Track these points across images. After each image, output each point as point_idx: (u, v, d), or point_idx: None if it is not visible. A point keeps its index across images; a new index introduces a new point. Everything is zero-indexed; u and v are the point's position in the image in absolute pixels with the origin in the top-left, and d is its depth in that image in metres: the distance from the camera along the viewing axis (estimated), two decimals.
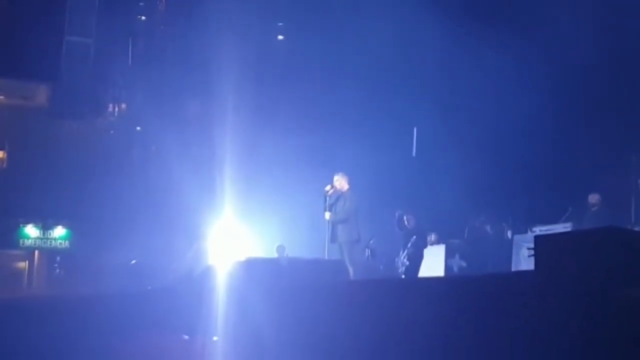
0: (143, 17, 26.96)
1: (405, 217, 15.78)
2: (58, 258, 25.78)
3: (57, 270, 25.61)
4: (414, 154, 20.56)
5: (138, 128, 26.65)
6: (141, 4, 26.71)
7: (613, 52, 16.79)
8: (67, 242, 25.84)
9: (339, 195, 13.30)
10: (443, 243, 17.45)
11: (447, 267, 16.59)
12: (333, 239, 13.15)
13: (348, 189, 13.35)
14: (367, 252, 16.50)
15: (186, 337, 10.29)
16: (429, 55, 19.63)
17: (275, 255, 17.25)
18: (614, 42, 16.79)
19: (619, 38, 16.70)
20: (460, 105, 19.88)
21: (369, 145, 20.09)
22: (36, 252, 26.33)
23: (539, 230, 14.79)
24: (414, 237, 15.45)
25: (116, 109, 27.23)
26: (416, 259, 15.29)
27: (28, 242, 25.84)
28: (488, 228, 16.71)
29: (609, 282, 5.95)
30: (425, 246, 15.97)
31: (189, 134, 22.86)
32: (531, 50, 17.60)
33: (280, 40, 25.54)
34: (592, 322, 5.87)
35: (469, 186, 18.21)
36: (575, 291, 6.09)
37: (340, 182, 13.37)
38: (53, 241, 25.87)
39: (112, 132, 27.07)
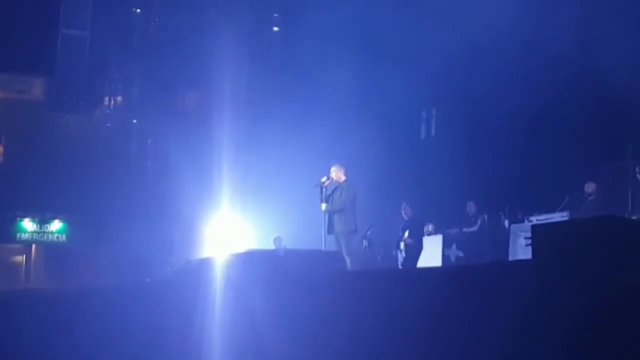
0: (138, 10, 26.92)
1: (402, 208, 15.76)
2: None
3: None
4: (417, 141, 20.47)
5: (134, 121, 26.66)
6: None
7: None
8: (64, 235, 25.85)
9: (335, 187, 13.29)
10: (440, 233, 17.46)
11: (444, 257, 16.60)
12: (330, 230, 13.11)
13: (345, 180, 13.31)
14: (365, 242, 16.46)
15: None
16: (425, 45, 19.51)
17: (272, 247, 17.23)
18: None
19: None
20: (457, 95, 19.82)
21: (366, 137, 20.08)
22: (33, 246, 26.34)
23: (536, 219, 14.75)
24: (410, 229, 15.41)
25: (112, 102, 27.23)
26: (415, 250, 15.26)
27: (25, 236, 25.84)
28: (485, 218, 16.69)
29: (607, 271, 5.94)
30: (423, 236, 15.98)
31: (185, 126, 22.86)
32: (535, 36, 17.42)
33: (276, 32, 25.52)
34: (591, 311, 5.86)
35: (466, 176, 18.20)
36: (573, 280, 6.08)
37: (337, 173, 13.32)
38: (50, 235, 25.87)
39: (108, 125, 27.07)
